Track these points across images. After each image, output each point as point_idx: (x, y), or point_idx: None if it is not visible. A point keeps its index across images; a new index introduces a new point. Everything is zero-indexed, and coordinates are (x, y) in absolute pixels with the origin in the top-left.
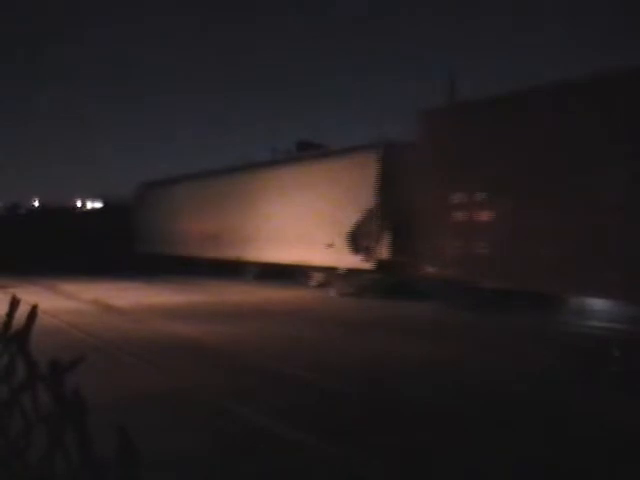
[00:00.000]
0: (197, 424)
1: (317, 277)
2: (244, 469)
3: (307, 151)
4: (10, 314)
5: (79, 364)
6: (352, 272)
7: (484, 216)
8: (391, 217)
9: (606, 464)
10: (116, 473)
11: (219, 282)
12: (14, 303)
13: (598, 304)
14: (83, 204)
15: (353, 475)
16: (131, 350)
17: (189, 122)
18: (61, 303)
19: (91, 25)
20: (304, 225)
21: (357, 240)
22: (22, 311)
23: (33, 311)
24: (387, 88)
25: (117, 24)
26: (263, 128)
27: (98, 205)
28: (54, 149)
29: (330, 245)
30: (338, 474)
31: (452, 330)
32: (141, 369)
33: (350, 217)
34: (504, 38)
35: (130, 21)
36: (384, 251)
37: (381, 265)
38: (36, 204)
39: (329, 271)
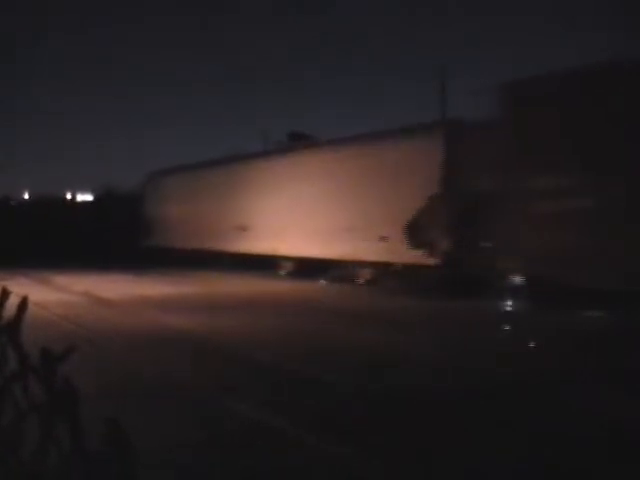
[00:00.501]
0: (194, 418)
1: (365, 274)
2: (243, 466)
3: (300, 142)
4: (1, 305)
5: (71, 354)
6: (410, 268)
7: (580, 204)
8: (457, 206)
9: (605, 463)
10: (108, 466)
11: (234, 276)
12: (4, 295)
13: None
14: (73, 196)
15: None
16: (123, 342)
17: (187, 118)
18: (53, 295)
19: (91, 25)
20: (351, 216)
21: (417, 233)
22: (13, 303)
23: (24, 302)
24: (385, 87)
25: (117, 24)
26: (261, 126)
27: (88, 198)
28: (52, 146)
29: (383, 238)
30: (338, 473)
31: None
32: (134, 362)
33: (408, 207)
34: (504, 37)
35: (129, 20)
36: (449, 245)
37: (446, 260)
38: (26, 196)
39: (380, 267)
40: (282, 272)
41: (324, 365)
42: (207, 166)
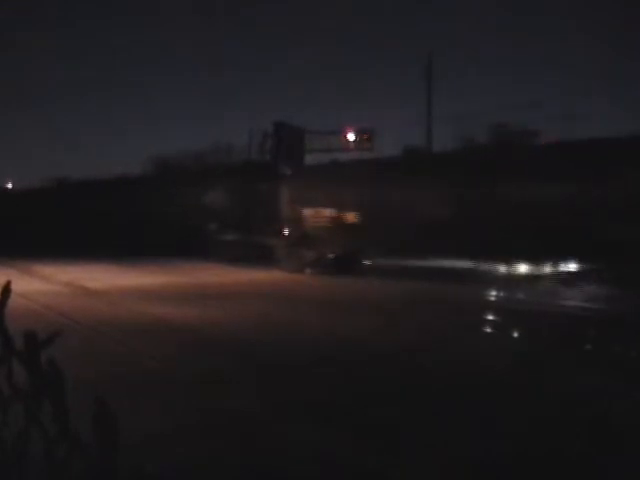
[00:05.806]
0: (184, 407)
1: None
2: (232, 464)
3: (285, 130)
4: None
5: (56, 338)
6: None
7: None
8: None
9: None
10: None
11: None
12: None
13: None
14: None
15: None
16: (108, 332)
17: (188, 115)
18: (37, 286)
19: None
20: None
21: None
22: None
23: (7, 287)
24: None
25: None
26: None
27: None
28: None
29: None
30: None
31: None
32: (119, 352)
33: None
34: (496, 37)
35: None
36: None
37: None
38: (9, 186)
39: None
40: None
41: None
42: None
